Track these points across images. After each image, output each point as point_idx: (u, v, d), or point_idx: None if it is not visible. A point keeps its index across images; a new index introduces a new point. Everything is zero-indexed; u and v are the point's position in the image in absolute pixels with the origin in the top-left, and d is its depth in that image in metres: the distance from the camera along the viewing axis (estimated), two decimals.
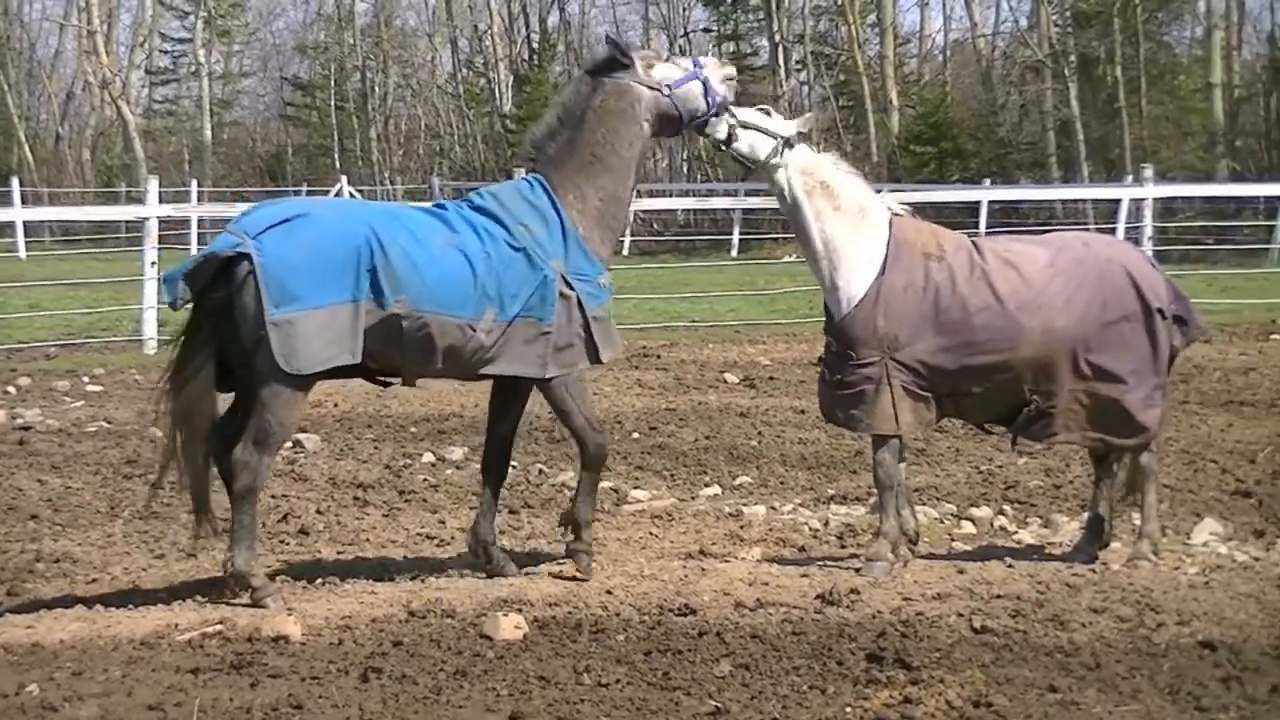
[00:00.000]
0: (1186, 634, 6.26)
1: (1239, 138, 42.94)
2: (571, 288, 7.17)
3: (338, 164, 54.92)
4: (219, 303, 6.78)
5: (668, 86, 7.53)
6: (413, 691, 5.58)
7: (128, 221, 33.33)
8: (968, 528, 8.90)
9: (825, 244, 7.53)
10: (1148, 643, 6.14)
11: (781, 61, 50.03)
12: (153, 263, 18.38)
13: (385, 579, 7.42)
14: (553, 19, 60.57)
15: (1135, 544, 7.72)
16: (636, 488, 10.01)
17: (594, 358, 7.32)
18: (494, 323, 7.04)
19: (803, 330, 19.56)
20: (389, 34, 60.94)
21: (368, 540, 8.69)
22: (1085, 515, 8.14)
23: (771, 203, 8.45)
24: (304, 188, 48.93)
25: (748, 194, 27.50)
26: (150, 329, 18.32)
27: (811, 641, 6.15)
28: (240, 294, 6.71)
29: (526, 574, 7.53)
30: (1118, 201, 26.53)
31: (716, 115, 7.62)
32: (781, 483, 10.27)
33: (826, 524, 8.91)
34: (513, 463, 10.85)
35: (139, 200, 24.24)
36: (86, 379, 15.61)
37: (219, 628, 6.41)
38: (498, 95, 58.42)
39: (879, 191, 8.10)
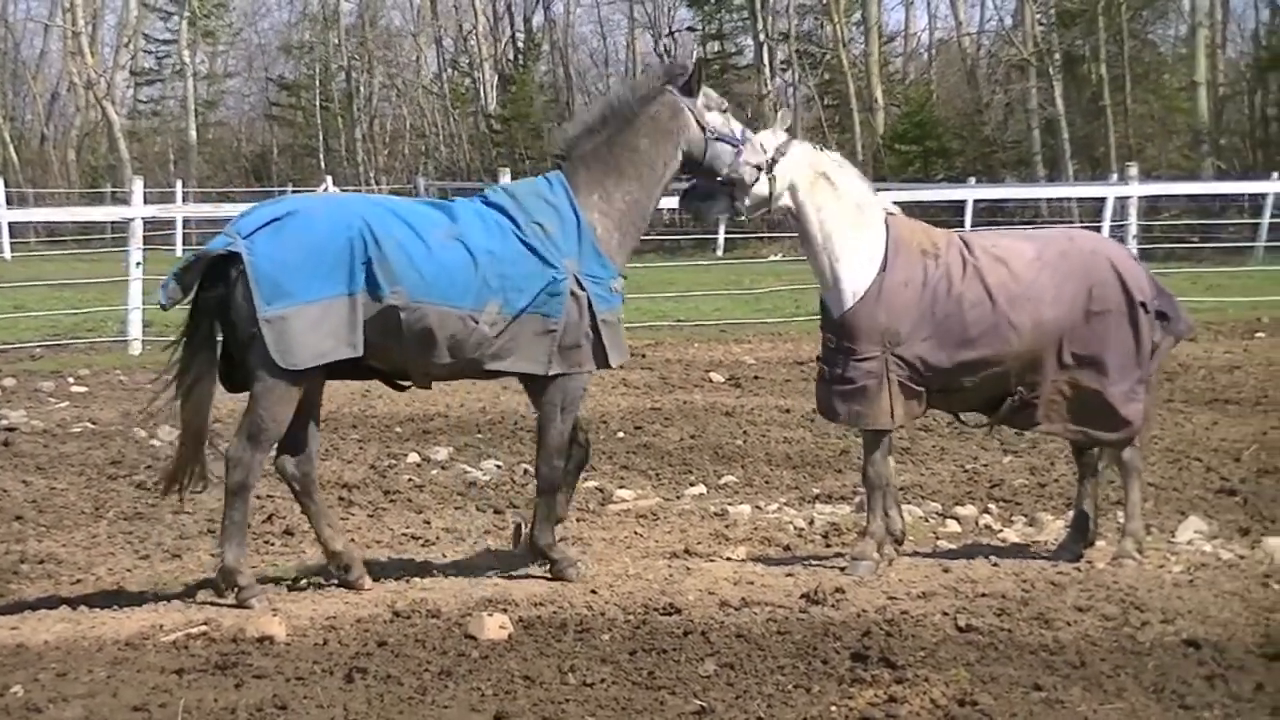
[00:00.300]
0: (1171, 632, 6.27)
1: (1223, 136, 43.12)
2: (583, 288, 7.16)
3: (323, 164, 54.91)
4: (215, 302, 6.83)
5: (713, 132, 7.52)
6: (398, 692, 5.58)
7: (113, 222, 33.31)
8: (953, 526, 8.90)
9: (825, 238, 7.54)
10: (1132, 641, 6.15)
11: (766, 61, 50.05)
12: (138, 263, 18.36)
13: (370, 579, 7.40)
14: (537, 18, 60.78)
15: (1120, 542, 7.73)
16: (621, 487, 10.00)
17: (602, 362, 7.31)
18: (498, 315, 7.02)
19: (788, 329, 19.59)
20: (374, 34, 60.96)
21: (352, 540, 8.64)
22: (1070, 513, 8.17)
23: None
24: (289, 188, 48.65)
25: None
26: (135, 330, 18.29)
27: (796, 640, 6.15)
28: (233, 293, 6.76)
29: (510, 575, 7.52)
30: (1103, 200, 26.66)
31: (721, 185, 7.58)
32: (766, 482, 10.27)
33: (811, 523, 8.91)
34: (497, 462, 10.93)
35: (124, 201, 24.21)
36: (71, 380, 15.56)
37: (204, 628, 6.40)
38: (483, 95, 58.48)
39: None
